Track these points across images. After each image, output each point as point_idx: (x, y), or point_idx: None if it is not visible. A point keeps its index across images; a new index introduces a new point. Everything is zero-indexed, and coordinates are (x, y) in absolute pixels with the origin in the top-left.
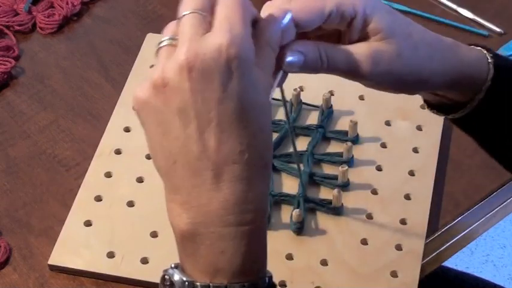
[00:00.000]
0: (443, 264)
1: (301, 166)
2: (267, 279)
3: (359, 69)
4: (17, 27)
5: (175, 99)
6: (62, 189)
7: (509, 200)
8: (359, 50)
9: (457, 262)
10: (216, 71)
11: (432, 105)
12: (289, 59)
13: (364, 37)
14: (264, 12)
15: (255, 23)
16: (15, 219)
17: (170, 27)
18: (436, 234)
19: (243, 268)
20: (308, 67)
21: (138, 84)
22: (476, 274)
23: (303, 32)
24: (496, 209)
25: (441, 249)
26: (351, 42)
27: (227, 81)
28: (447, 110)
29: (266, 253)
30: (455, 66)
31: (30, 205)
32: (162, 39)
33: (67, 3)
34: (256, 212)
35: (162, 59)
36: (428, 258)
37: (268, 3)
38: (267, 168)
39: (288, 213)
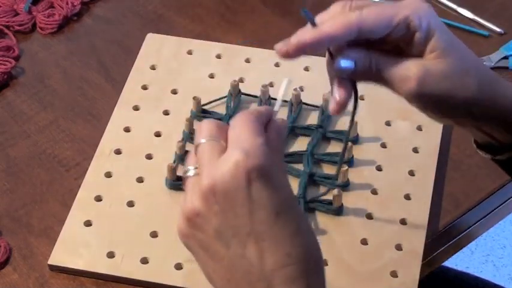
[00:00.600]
0: (443, 264)
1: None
2: None
3: (406, 85)
4: (17, 27)
5: (210, 225)
6: (62, 189)
7: (509, 200)
8: (411, 66)
9: (457, 262)
10: (238, 186)
11: (480, 146)
12: (341, 64)
13: (420, 53)
14: (334, 21)
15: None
16: (15, 219)
17: (191, 157)
18: (436, 234)
19: None
20: (358, 74)
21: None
22: (476, 274)
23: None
24: (496, 209)
25: (441, 249)
26: (407, 55)
27: (252, 193)
28: (495, 151)
29: None
30: (502, 100)
31: (30, 205)
32: (187, 169)
33: (67, 3)
34: None
35: (189, 190)
36: (428, 258)
37: (339, 9)
38: (318, 262)
39: None
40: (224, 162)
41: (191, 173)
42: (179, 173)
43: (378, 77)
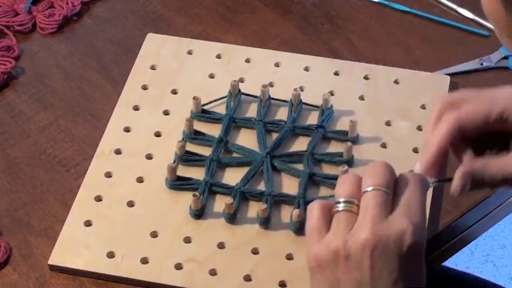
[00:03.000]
0: (443, 264)
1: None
2: None
3: None
4: (17, 27)
5: (354, 272)
6: (62, 189)
7: (509, 200)
8: None
9: (457, 262)
10: (396, 253)
11: None
12: (456, 187)
13: None
14: (437, 134)
15: None
16: (15, 219)
17: (345, 188)
18: (436, 234)
19: None
20: (473, 189)
21: (314, 243)
22: (476, 274)
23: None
24: (496, 209)
25: (441, 249)
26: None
27: (403, 265)
28: None
29: None
30: None
31: (30, 205)
32: (339, 202)
33: (67, 3)
34: None
35: (342, 227)
36: (428, 258)
37: (437, 110)
38: None
39: (288, 213)
40: (392, 225)
41: (344, 207)
42: (179, 173)
43: (490, 183)
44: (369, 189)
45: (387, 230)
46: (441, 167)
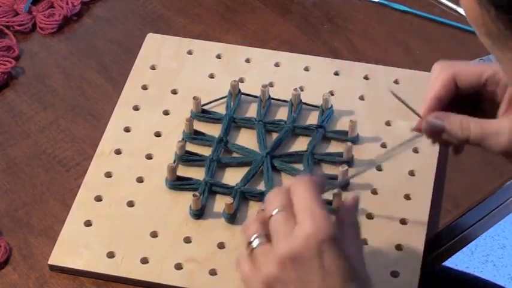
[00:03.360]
0: (444, 264)
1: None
2: None
3: (498, 141)
4: (17, 27)
5: None
6: (62, 189)
7: (509, 200)
8: (503, 122)
9: (457, 262)
10: (312, 256)
11: None
12: (431, 120)
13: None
14: (434, 82)
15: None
16: (15, 219)
17: (254, 226)
18: (436, 235)
19: None
20: (449, 133)
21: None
22: (476, 274)
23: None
24: (496, 209)
25: (441, 249)
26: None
27: (324, 262)
28: None
29: None
30: None
31: (30, 205)
32: (253, 240)
33: (67, 3)
34: None
35: (261, 258)
36: (428, 258)
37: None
38: None
39: None
40: (298, 234)
41: (258, 241)
42: (179, 173)
43: (467, 138)
44: (270, 215)
45: (296, 241)
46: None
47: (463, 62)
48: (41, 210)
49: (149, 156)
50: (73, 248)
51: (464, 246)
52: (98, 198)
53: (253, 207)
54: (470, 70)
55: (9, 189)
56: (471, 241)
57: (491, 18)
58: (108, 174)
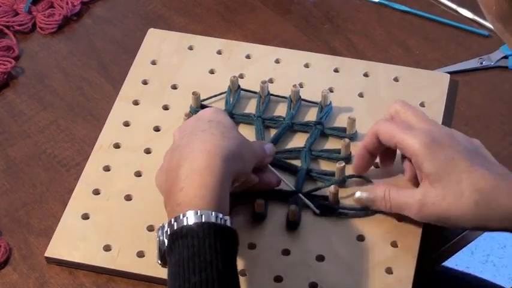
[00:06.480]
0: (444, 264)
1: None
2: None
3: (410, 210)
4: (17, 27)
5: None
6: (62, 189)
7: None
8: (415, 193)
9: (457, 262)
10: (200, 119)
11: None
12: (358, 194)
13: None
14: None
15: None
16: (15, 219)
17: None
18: (435, 234)
19: None
20: (375, 205)
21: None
22: (476, 274)
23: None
24: None
25: (441, 249)
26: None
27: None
28: None
29: None
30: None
31: (30, 205)
32: None
33: (67, 3)
34: None
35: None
36: (428, 258)
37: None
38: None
39: (284, 209)
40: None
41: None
42: None
43: (390, 208)
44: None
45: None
46: (363, 168)
47: (396, 123)
48: (40, 210)
49: (148, 151)
50: (70, 241)
51: (464, 246)
52: (96, 192)
53: (248, 203)
54: (385, 134)
55: (9, 189)
56: (471, 241)
57: None
58: (107, 168)
